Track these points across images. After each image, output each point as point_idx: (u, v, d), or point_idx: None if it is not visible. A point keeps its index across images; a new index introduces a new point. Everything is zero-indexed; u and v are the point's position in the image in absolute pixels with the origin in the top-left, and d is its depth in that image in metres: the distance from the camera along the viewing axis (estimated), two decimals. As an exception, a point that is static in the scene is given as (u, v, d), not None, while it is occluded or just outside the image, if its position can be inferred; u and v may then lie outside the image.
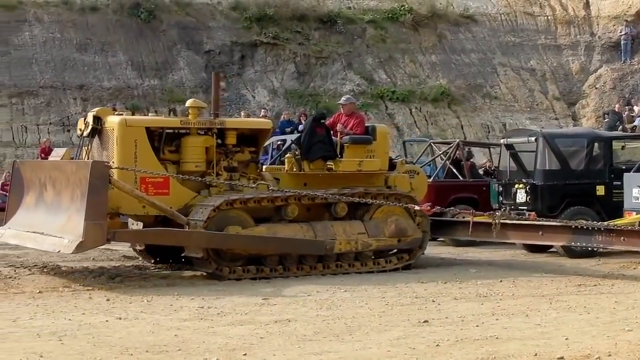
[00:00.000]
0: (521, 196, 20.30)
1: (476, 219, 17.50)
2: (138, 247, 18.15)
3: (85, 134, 16.78)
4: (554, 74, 41.00)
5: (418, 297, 13.88)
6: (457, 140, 25.77)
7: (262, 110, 33.31)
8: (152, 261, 18.01)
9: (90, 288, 14.92)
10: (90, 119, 16.52)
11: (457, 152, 24.26)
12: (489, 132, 38.01)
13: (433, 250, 20.41)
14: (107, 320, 11.93)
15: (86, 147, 16.90)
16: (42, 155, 26.64)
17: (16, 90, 33.12)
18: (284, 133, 30.21)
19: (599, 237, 15.68)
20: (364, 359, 9.47)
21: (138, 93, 34.82)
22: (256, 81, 37.01)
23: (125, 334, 10.99)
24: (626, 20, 41.04)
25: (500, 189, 21.07)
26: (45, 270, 17.20)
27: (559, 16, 42.31)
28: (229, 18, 37.79)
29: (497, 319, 11.92)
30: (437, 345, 10.17)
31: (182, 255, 16.75)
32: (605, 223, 16.84)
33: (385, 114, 37.36)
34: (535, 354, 9.56)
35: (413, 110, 37.80)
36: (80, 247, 14.55)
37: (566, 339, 10.46)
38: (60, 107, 32.92)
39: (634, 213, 17.76)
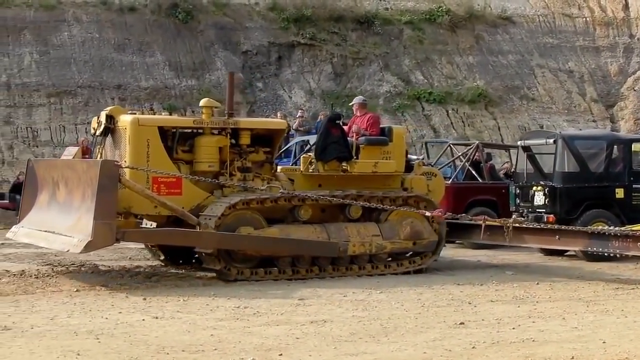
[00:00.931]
0: (539, 199, 20.20)
1: (489, 223, 17.32)
2: (153, 249, 18.10)
3: (98, 133, 16.68)
4: (592, 75, 40.80)
5: (454, 299, 13.85)
6: (477, 142, 25.64)
7: (299, 110, 33.34)
8: (162, 258, 17.91)
9: (127, 287, 14.99)
10: (103, 118, 16.41)
11: (477, 154, 24.15)
12: (526, 134, 37.86)
13: (466, 253, 20.36)
14: (143, 319, 11.98)
15: (99, 146, 16.83)
16: (81, 154, 26.76)
17: (55, 89, 33.31)
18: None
19: (615, 243, 15.55)
20: (401, 359, 9.48)
21: (175, 93, 34.92)
22: (293, 82, 37.04)
23: (162, 333, 11.04)
24: (666, 22, 40.80)
25: (518, 191, 20.96)
26: (82, 269, 17.32)
27: (598, 18, 42.10)
28: (266, 19, 37.84)
29: (533, 322, 11.88)
30: (473, 347, 10.16)
31: (195, 255, 16.72)
32: (622, 228, 16.75)
33: (422, 115, 37.32)
34: (572, 357, 9.53)
35: (450, 111, 37.73)
36: (88, 247, 14.50)
37: (603, 342, 10.42)
38: (98, 107, 32.88)
39: None
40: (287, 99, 36.11)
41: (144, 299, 13.66)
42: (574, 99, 39.95)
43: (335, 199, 16.39)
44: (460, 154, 24.70)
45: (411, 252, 17.34)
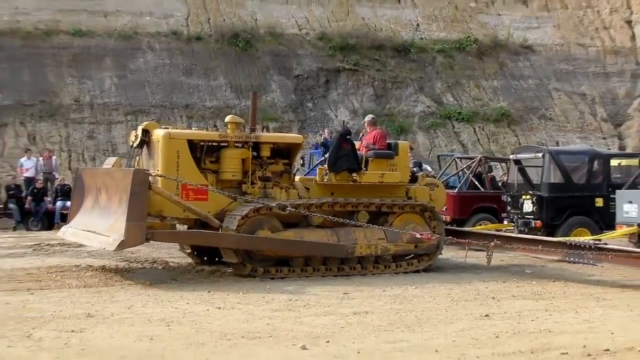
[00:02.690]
0: (528, 206, 20.17)
1: (472, 245, 16.87)
2: (187, 250, 17.95)
3: (135, 145, 16.61)
4: (602, 98, 40.60)
5: (480, 294, 13.81)
6: (480, 156, 25.59)
7: (326, 130, 33.37)
8: (199, 261, 17.67)
9: (194, 281, 15.06)
10: (139, 132, 16.35)
11: (479, 167, 24.11)
12: (545, 149, 37.70)
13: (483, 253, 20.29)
14: (208, 310, 12.03)
15: (136, 157, 16.77)
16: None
17: (131, 108, 33.58)
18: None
19: (589, 254, 15.36)
20: (432, 347, 9.45)
21: (235, 112, 34.77)
22: (339, 102, 37.08)
23: (224, 321, 11.08)
24: (668, 51, 40.66)
25: (509, 199, 20.94)
26: (154, 265, 17.40)
27: (608, 47, 41.96)
28: (315, 47, 37.92)
29: (550, 315, 11.82)
30: (497, 336, 10.12)
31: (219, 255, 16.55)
32: (597, 240, 16.62)
33: (452, 132, 37.26)
34: (584, 346, 9.48)
35: (477, 129, 37.63)
36: (121, 245, 14.41)
37: (612, 333, 10.36)
38: (169, 124, 33.22)
39: (625, 226, 17.52)
40: (333, 117, 36.14)
41: (208, 292, 13.72)
42: (586, 118, 39.75)
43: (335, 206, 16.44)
44: (464, 166, 24.70)
45: (412, 255, 17.11)
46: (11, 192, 28.70)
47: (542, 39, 41.74)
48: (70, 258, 18.23)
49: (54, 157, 30.39)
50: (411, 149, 29.53)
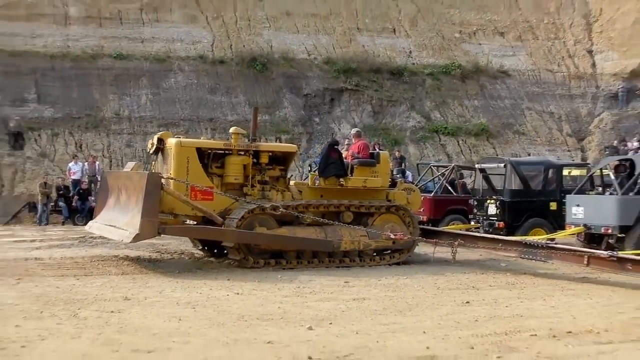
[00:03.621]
0: (492, 209, 20.13)
1: (439, 244, 16.66)
2: (199, 247, 17.87)
3: (151, 151, 16.58)
4: (568, 116, 40.52)
5: (462, 284, 13.80)
6: (453, 164, 25.54)
7: (346, 139, 33.30)
8: (208, 254, 17.63)
9: (216, 271, 15.09)
10: (155, 141, 16.35)
11: (452, 174, 24.04)
12: (518, 160, 37.69)
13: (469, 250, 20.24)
14: (227, 295, 12.05)
15: (152, 163, 16.75)
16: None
17: (163, 121, 33.56)
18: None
19: (542, 252, 15.30)
20: (421, 329, 9.45)
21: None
22: (342, 118, 37.04)
23: (241, 305, 11.09)
24: (623, 77, 41.05)
25: (475, 203, 20.89)
26: (182, 256, 17.43)
27: (572, 73, 41.94)
28: (322, 70, 37.90)
29: (521, 302, 11.82)
30: (476, 320, 10.13)
31: (223, 248, 16.59)
32: (551, 239, 16.58)
33: (439, 144, 37.18)
34: (550, 329, 9.50)
35: (460, 142, 37.54)
36: (136, 238, 14.41)
37: (574, 317, 10.37)
38: (195, 135, 33.09)
39: (573, 226, 17.46)
40: (337, 130, 36.08)
41: (228, 280, 13.74)
42: (553, 134, 39.66)
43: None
44: (439, 173, 24.66)
45: (391, 250, 17.06)
46: (61, 192, 28.86)
47: (517, 65, 41.68)
48: (110, 249, 18.27)
49: (97, 163, 30.47)
50: (402, 157, 29.55)
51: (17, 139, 31.52)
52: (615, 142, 36.43)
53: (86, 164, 30.17)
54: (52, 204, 28.79)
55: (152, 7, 37.50)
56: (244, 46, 37.55)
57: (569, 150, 38.75)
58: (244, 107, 35.44)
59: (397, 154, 32.19)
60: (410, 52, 40.57)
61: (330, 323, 9.81)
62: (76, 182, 29.20)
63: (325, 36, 39.63)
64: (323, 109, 37.09)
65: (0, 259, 16.03)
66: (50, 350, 8.03)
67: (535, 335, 9.17)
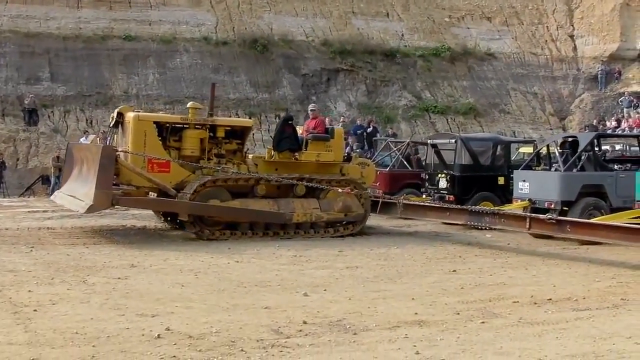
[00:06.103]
0: (443, 183, 19.73)
1: (385, 200, 16.81)
2: (161, 218, 17.50)
3: (112, 125, 16.28)
4: (550, 97, 40.54)
5: (449, 254, 13.80)
6: (408, 140, 25.08)
7: (342, 117, 33.34)
8: (168, 224, 17.25)
9: (217, 240, 15.04)
10: (115, 114, 15.96)
11: (408, 149, 23.61)
12: (504, 137, 37.69)
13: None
14: (228, 263, 12.05)
15: (113, 136, 16.47)
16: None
17: (169, 99, 33.48)
18: (356, 134, 30.17)
19: (487, 219, 15.11)
20: (410, 296, 9.44)
21: (254, 103, 34.98)
22: (337, 97, 36.98)
23: (241, 272, 11.10)
24: (602, 60, 41.17)
25: (427, 177, 20.56)
26: (186, 226, 17.35)
27: (555, 56, 41.97)
28: (319, 51, 37.77)
29: (505, 271, 11.82)
30: (462, 288, 10.13)
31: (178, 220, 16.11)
32: (493, 208, 16.44)
33: (429, 122, 37.12)
34: (532, 296, 9.50)
35: (449, 120, 37.48)
36: (90, 209, 14.20)
37: (554, 286, 10.36)
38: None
39: (519, 200, 17.27)
40: (333, 109, 36.02)
41: (229, 248, 13.74)
42: (537, 113, 39.66)
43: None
44: (395, 148, 24.17)
45: (344, 222, 16.57)
46: (72, 165, 28.78)
47: (503, 48, 41.59)
48: (118, 219, 18.26)
49: (108, 138, 30.34)
50: (395, 134, 29.28)
51: (31, 116, 31.44)
52: (595, 121, 36.57)
53: (97, 139, 30.05)
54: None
55: (159, -9, 37.32)
56: (245, 28, 37.38)
57: (551, 129, 38.71)
58: (245, 86, 35.35)
59: (390, 131, 32.24)
60: (403, 35, 40.40)
61: (325, 290, 9.79)
62: (87, 156, 29.12)
63: (323, 19, 39.44)
64: (320, 88, 37.00)
65: (14, 228, 16.02)
66: (61, 314, 8.02)
67: (518, 302, 9.16)
